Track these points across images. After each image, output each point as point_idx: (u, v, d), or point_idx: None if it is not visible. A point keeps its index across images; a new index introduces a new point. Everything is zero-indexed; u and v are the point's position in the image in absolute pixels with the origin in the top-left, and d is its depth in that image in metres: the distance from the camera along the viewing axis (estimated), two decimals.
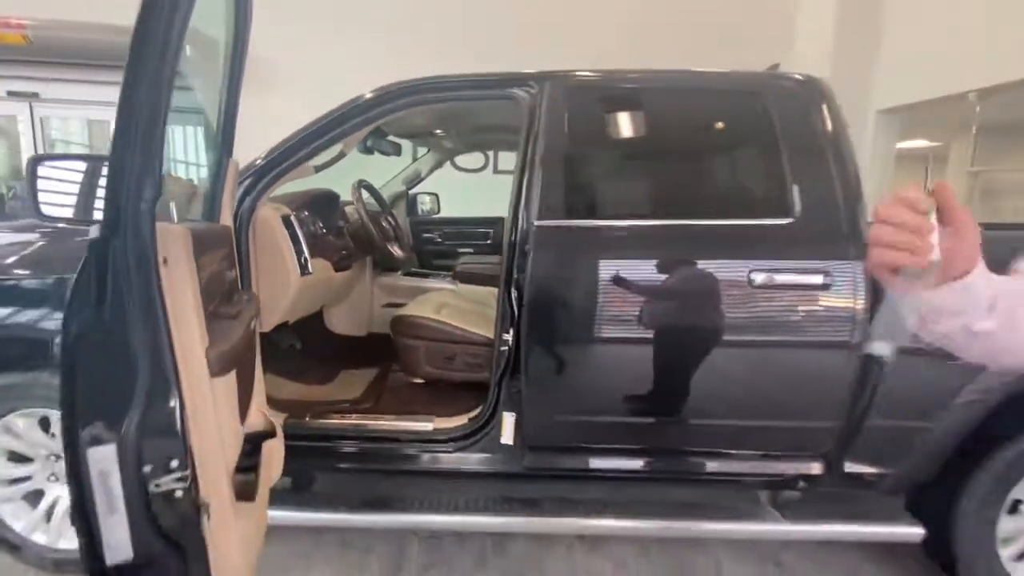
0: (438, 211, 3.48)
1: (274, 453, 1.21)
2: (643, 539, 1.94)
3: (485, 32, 5.38)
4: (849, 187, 1.49)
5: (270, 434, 1.22)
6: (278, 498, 1.64)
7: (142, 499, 0.72)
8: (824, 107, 1.54)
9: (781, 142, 1.50)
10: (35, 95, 4.90)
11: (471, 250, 3.02)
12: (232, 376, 0.92)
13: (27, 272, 1.70)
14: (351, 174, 2.50)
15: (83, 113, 5.31)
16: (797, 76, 1.59)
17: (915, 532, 1.53)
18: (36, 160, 1.09)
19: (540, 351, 1.50)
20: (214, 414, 0.82)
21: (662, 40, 5.64)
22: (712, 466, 1.58)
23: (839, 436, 1.54)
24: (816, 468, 1.59)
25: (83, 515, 0.71)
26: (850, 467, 1.59)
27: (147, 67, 0.74)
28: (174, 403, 0.72)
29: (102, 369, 0.71)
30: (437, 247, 3.19)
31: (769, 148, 1.52)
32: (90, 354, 0.71)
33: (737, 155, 1.66)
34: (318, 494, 1.72)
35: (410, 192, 3.07)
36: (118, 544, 0.71)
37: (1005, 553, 1.59)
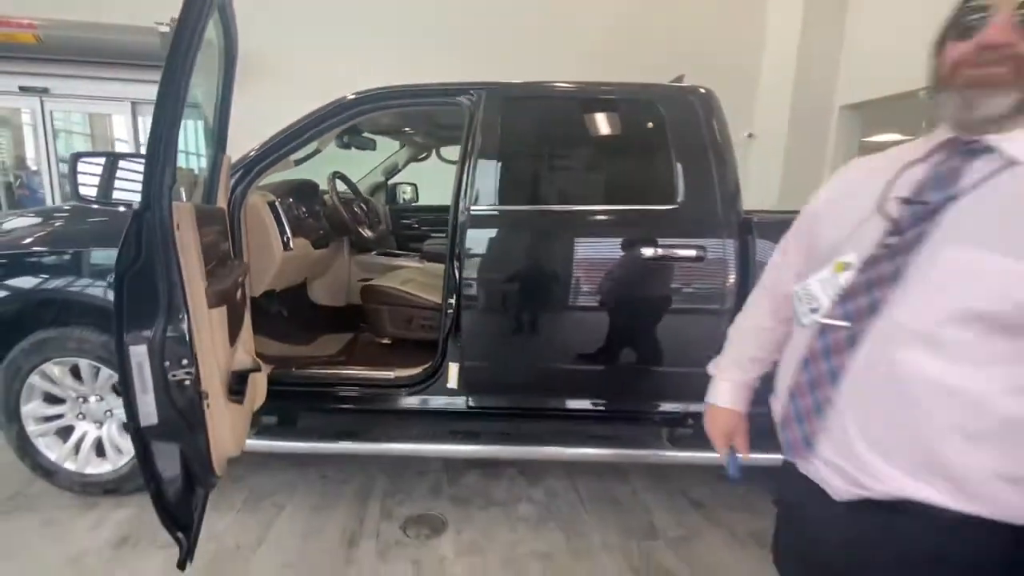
0: (416, 199, 3.84)
1: (259, 382, 1.58)
2: (573, 471, 2.33)
3: (470, 31, 5.69)
4: (725, 180, 1.84)
5: (255, 370, 1.59)
6: (267, 432, 2.01)
7: (163, 384, 1.09)
8: (710, 114, 1.89)
9: (671, 142, 1.85)
10: (45, 90, 5.22)
11: (443, 234, 3.38)
12: (223, 310, 1.29)
13: (53, 247, 2.03)
14: (335, 166, 2.86)
15: (88, 107, 5.63)
16: (690, 88, 1.94)
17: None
18: (76, 156, 1.45)
19: (474, 312, 1.86)
20: (210, 333, 1.19)
21: (639, 40, 5.95)
22: (615, 406, 1.95)
23: None
24: (700, 407, 1.95)
25: (126, 392, 1.08)
26: None
27: (170, 94, 1.08)
28: (184, 321, 1.09)
29: (138, 296, 1.07)
30: (415, 231, 3.55)
31: (662, 147, 1.86)
32: (131, 286, 1.07)
33: (636, 152, 2.01)
34: (300, 429, 2.09)
35: (389, 182, 3.43)
36: (148, 413, 1.08)
37: None
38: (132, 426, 1.09)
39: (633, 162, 1.99)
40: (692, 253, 1.77)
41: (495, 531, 1.94)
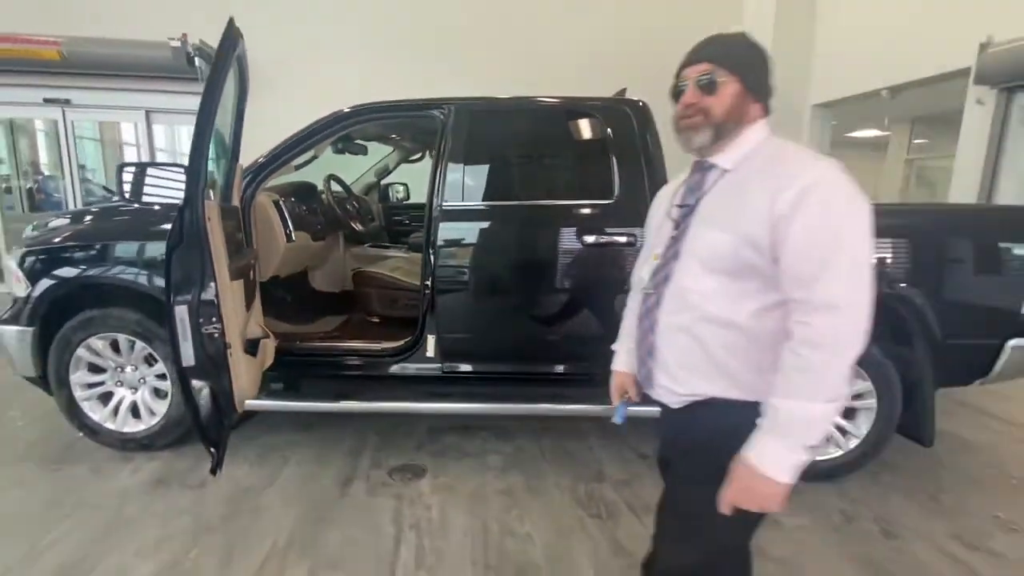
0: (408, 197, 4.22)
1: (267, 347, 1.96)
2: (539, 432, 2.69)
3: (460, 43, 6.04)
4: (654, 178, 2.19)
5: (264, 337, 1.97)
6: (274, 395, 2.38)
7: (198, 335, 1.46)
8: (643, 123, 2.24)
9: (610, 148, 2.21)
10: (67, 101, 5.64)
11: None
12: (240, 283, 1.67)
13: (91, 240, 2.39)
14: (332, 169, 3.24)
15: (106, 116, 6.05)
16: (627, 100, 2.29)
17: None
18: (121, 166, 1.83)
19: (445, 293, 2.23)
20: (231, 299, 1.57)
21: (622, 47, 6.25)
22: (563, 369, 2.32)
23: None
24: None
25: (172, 341, 1.46)
26: None
27: (205, 122, 1.46)
28: (213, 288, 1.46)
29: (181, 270, 1.45)
30: (406, 226, 3.93)
31: (602, 151, 2.22)
32: (175, 262, 1.44)
33: (580, 156, 2.36)
34: (303, 393, 2.45)
35: (381, 182, 3.81)
36: (188, 356, 1.46)
37: None
38: (176, 367, 1.48)
39: (578, 164, 2.35)
40: (624, 240, 2.14)
41: (466, 475, 2.31)
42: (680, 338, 1.01)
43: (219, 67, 1.49)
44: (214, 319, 1.46)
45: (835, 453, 2.31)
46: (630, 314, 1.23)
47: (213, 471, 1.60)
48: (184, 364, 1.45)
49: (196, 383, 1.51)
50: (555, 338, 2.29)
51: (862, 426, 2.29)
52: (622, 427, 1.24)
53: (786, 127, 6.30)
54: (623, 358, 1.26)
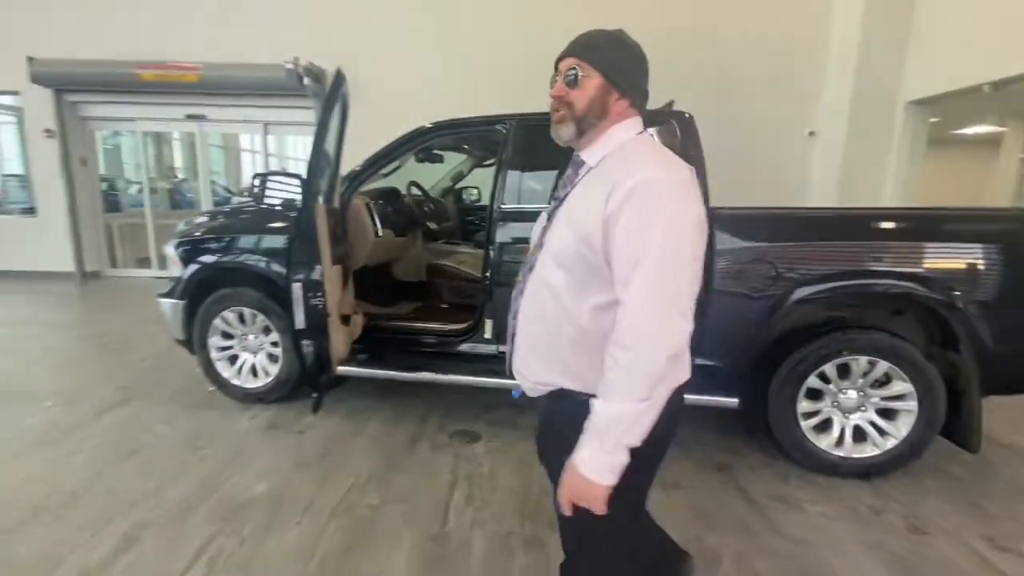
0: (480, 200, 4.64)
1: (356, 322, 2.43)
2: None
3: (529, 62, 6.39)
4: None
5: (355, 313, 2.43)
6: (362, 364, 2.85)
7: (307, 305, 1.93)
8: (687, 133, 2.44)
9: None
10: (203, 117, 6.70)
11: None
12: (339, 267, 2.13)
13: (223, 234, 2.98)
14: (412, 176, 3.72)
15: (233, 129, 7.09)
16: (672, 112, 2.50)
17: (731, 402, 2.42)
18: (258, 175, 2.36)
19: (501, 284, 2.56)
20: (332, 279, 2.02)
21: (707, 40, 6.29)
22: None
23: None
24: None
25: (290, 309, 1.94)
26: (698, 359, 2.49)
27: (319, 144, 1.92)
28: (319, 271, 1.92)
29: (299, 256, 1.92)
30: (477, 226, 4.34)
31: None
32: (295, 251, 1.91)
33: None
34: (385, 361, 2.88)
35: (456, 186, 4.25)
36: (300, 321, 1.93)
37: (805, 424, 2.41)
38: (292, 329, 1.95)
39: None
40: None
41: (517, 444, 2.64)
42: (532, 327, 1.05)
43: (328, 107, 1.95)
44: (319, 294, 1.92)
45: (871, 452, 2.37)
46: None
47: (315, 410, 2.07)
48: (297, 327, 1.93)
49: (305, 342, 1.99)
50: None
51: (901, 427, 2.32)
52: (522, 402, 1.23)
53: (873, 126, 5.99)
54: None
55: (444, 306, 3.19)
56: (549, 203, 1.11)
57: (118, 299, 5.93)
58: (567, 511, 0.95)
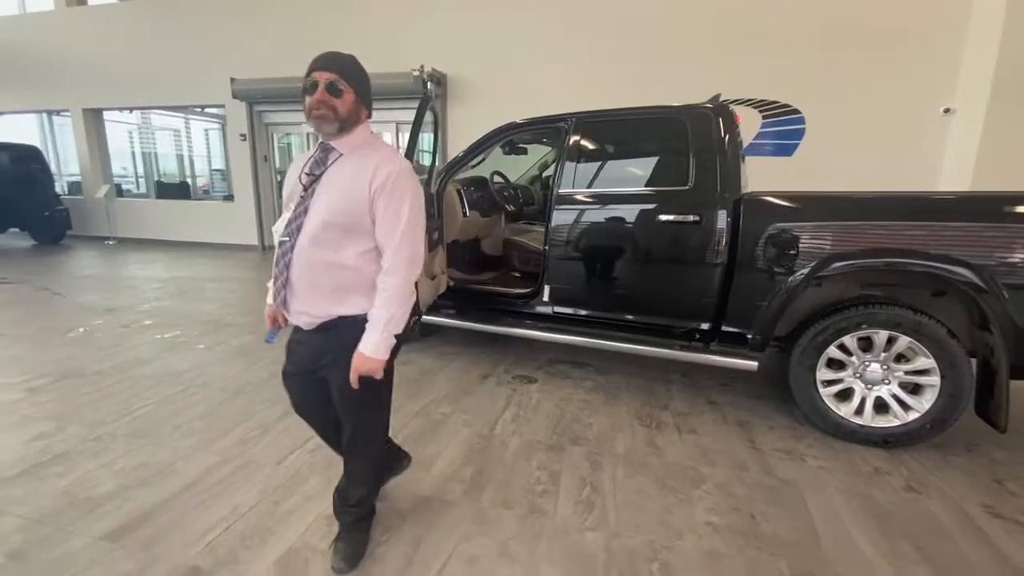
0: None
1: (441, 281, 3.17)
2: (632, 371, 3.41)
3: (629, 54, 6.66)
4: (724, 170, 2.69)
5: (441, 274, 3.17)
6: (450, 315, 3.60)
7: None
8: (720, 122, 2.74)
9: (690, 144, 2.78)
10: None
11: None
12: (424, 237, 2.88)
13: None
14: (504, 166, 4.39)
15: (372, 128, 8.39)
16: (709, 105, 2.80)
17: (751, 364, 2.70)
18: None
19: (555, 255, 3.10)
20: None
21: (842, 41, 6.07)
22: (646, 320, 2.98)
23: (716, 308, 2.78)
24: (706, 325, 2.85)
25: None
26: (726, 327, 2.81)
27: (412, 141, 2.65)
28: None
29: None
30: None
31: (683, 147, 2.80)
32: None
33: (666, 152, 2.93)
34: (468, 314, 3.59)
35: (542, 175, 4.83)
36: None
37: (824, 391, 2.61)
38: None
39: (664, 158, 2.94)
40: (692, 219, 2.71)
41: (564, 388, 3.19)
42: (311, 275, 1.41)
43: (418, 116, 2.68)
44: None
45: (893, 422, 2.50)
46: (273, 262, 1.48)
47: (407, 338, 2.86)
48: None
49: None
50: (634, 294, 2.97)
51: (924, 401, 2.43)
52: (268, 341, 1.63)
53: (1017, 103, 5.25)
54: (272, 294, 1.51)
55: (516, 274, 3.82)
56: (301, 179, 1.46)
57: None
58: (355, 384, 1.41)
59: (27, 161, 8.73)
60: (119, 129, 10.14)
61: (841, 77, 6.10)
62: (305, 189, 1.42)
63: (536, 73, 6.99)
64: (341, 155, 1.42)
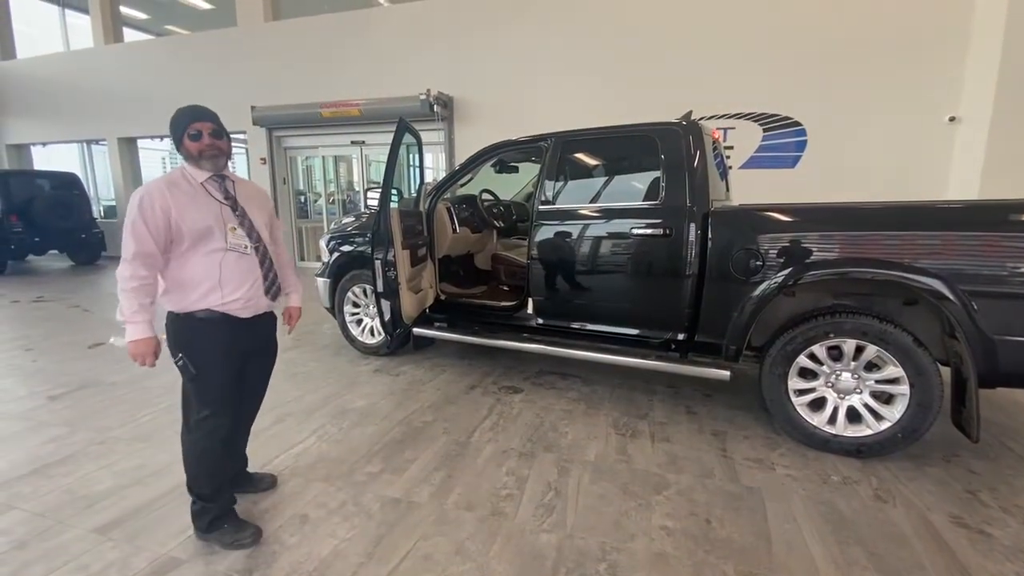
0: None
1: (428, 294, 3.32)
2: (616, 383, 3.47)
3: (631, 72, 6.80)
4: (693, 184, 2.78)
5: (428, 288, 3.32)
6: (439, 328, 3.74)
7: (384, 275, 2.85)
8: (690, 139, 2.84)
9: (661, 160, 2.88)
10: (363, 142, 8.42)
11: None
12: (408, 252, 3.03)
13: (357, 231, 4.12)
14: (495, 184, 4.55)
15: (384, 149, 8.72)
16: (677, 123, 2.90)
17: (723, 374, 2.74)
18: (370, 187, 3.38)
19: (536, 269, 3.21)
20: (402, 259, 2.92)
21: (839, 26, 6.13)
22: (623, 331, 3.06)
23: (689, 319, 2.84)
24: (681, 336, 2.91)
25: (373, 279, 2.89)
26: (700, 337, 2.86)
27: (389, 165, 2.83)
28: (392, 252, 2.83)
29: (378, 243, 2.86)
30: None
31: (655, 163, 2.90)
32: (376, 239, 2.86)
33: (639, 168, 3.02)
34: (457, 327, 3.73)
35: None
36: (379, 286, 2.87)
37: (797, 401, 2.63)
38: (374, 291, 2.90)
39: (637, 174, 3.05)
40: (661, 232, 2.79)
41: (546, 398, 3.28)
42: (276, 270, 1.90)
43: (395, 144, 2.91)
44: (392, 268, 2.84)
45: (866, 431, 2.50)
46: (143, 291, 1.64)
47: (389, 352, 2.98)
48: (378, 290, 2.86)
49: (384, 301, 2.93)
50: (611, 306, 3.06)
51: (895, 410, 2.43)
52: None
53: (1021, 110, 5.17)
54: (147, 327, 1.66)
55: (505, 288, 3.94)
56: (228, 200, 1.81)
57: (303, 283, 7.83)
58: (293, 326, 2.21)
59: (66, 188, 9.35)
60: (152, 156, 10.78)
61: (844, 88, 6.11)
62: (234, 208, 1.80)
63: (537, 93, 7.20)
64: (233, 182, 1.85)
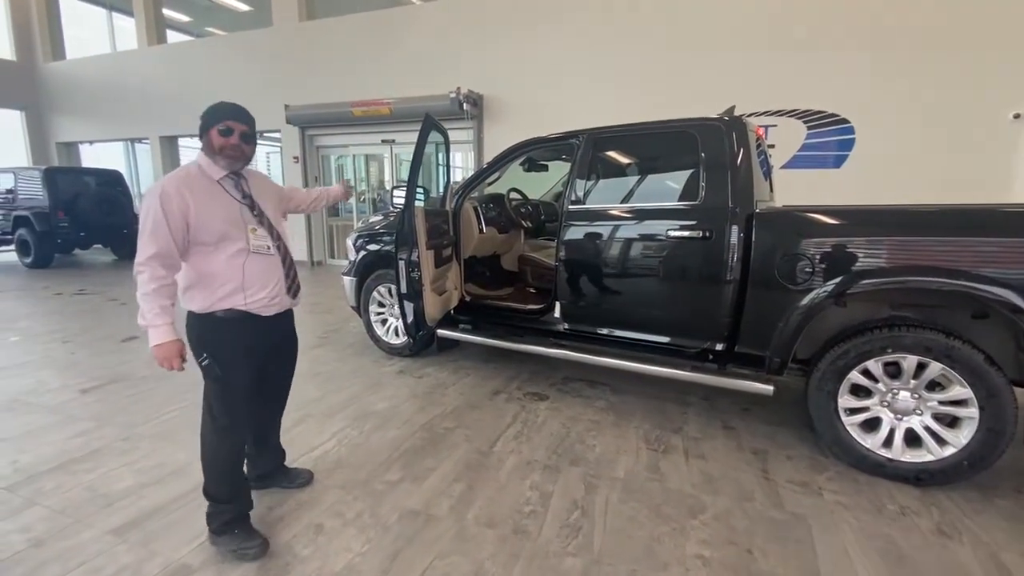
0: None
1: (453, 295, 3.22)
2: (647, 393, 3.30)
3: (660, 80, 6.58)
4: (736, 184, 2.59)
5: (453, 289, 3.22)
6: (464, 331, 3.65)
7: (408, 276, 2.78)
8: (733, 135, 2.65)
9: (701, 158, 2.70)
10: (393, 140, 8.43)
11: None
12: (432, 252, 2.94)
13: (384, 229, 4.06)
14: (524, 183, 4.43)
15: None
16: (719, 119, 2.71)
17: (766, 388, 2.54)
18: (397, 186, 3.31)
19: (566, 272, 3.07)
20: (426, 259, 2.84)
21: (901, 26, 5.80)
22: (656, 339, 2.89)
23: (729, 328, 2.65)
24: (720, 346, 2.72)
25: (397, 279, 2.81)
26: (740, 347, 2.67)
27: (415, 163, 2.75)
28: (416, 253, 2.75)
29: (402, 243, 2.79)
30: None
31: (694, 161, 2.72)
32: (400, 239, 2.78)
33: (677, 166, 2.84)
34: (482, 329, 3.63)
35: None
36: (403, 286, 2.78)
37: (848, 420, 2.42)
38: (398, 293, 2.83)
39: (675, 173, 2.87)
40: (702, 235, 2.62)
41: (574, 406, 3.14)
42: (275, 273, 1.81)
43: (420, 142, 2.82)
44: (416, 269, 2.75)
45: (926, 457, 2.27)
46: (164, 292, 1.61)
47: (412, 354, 2.89)
48: (402, 291, 2.78)
49: (407, 303, 2.84)
50: (643, 312, 2.89)
51: (961, 435, 2.20)
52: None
53: None
54: (170, 330, 1.63)
55: (532, 290, 3.82)
56: (246, 200, 1.78)
57: (331, 280, 7.88)
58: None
59: (110, 185, 9.69)
60: (192, 155, 11.07)
61: (897, 83, 5.74)
62: (252, 207, 1.77)
63: (569, 92, 7.05)
64: (248, 180, 1.81)
